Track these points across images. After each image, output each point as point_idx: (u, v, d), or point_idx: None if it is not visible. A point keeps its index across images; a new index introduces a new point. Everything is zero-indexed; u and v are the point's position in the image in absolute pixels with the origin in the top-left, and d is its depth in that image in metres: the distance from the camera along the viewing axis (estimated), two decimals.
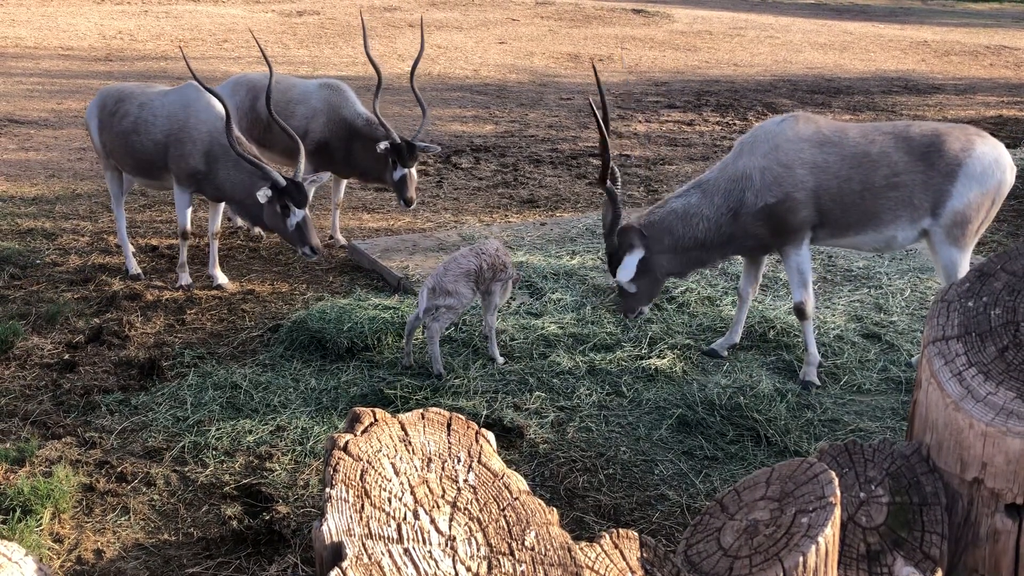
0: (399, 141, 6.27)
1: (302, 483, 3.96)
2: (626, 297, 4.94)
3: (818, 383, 4.86)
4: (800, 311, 4.86)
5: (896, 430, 4.48)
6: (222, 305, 5.85)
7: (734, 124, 12.33)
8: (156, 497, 3.88)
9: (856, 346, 5.30)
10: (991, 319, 1.84)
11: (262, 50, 6.30)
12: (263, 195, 5.38)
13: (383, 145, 6.22)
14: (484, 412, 4.47)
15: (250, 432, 4.34)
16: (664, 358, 5.06)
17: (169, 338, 5.36)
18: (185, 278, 6.11)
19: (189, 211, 6.06)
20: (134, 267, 6.29)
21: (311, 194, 5.62)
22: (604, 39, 19.29)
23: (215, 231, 6.19)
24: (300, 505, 3.82)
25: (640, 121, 12.29)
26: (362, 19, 7.57)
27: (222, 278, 6.18)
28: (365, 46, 6.70)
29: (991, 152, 4.69)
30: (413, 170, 6.40)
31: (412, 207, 6.61)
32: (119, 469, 4.02)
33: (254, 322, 5.58)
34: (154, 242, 7.01)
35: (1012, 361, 1.80)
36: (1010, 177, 4.73)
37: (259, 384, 4.75)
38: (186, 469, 4.06)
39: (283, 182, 5.43)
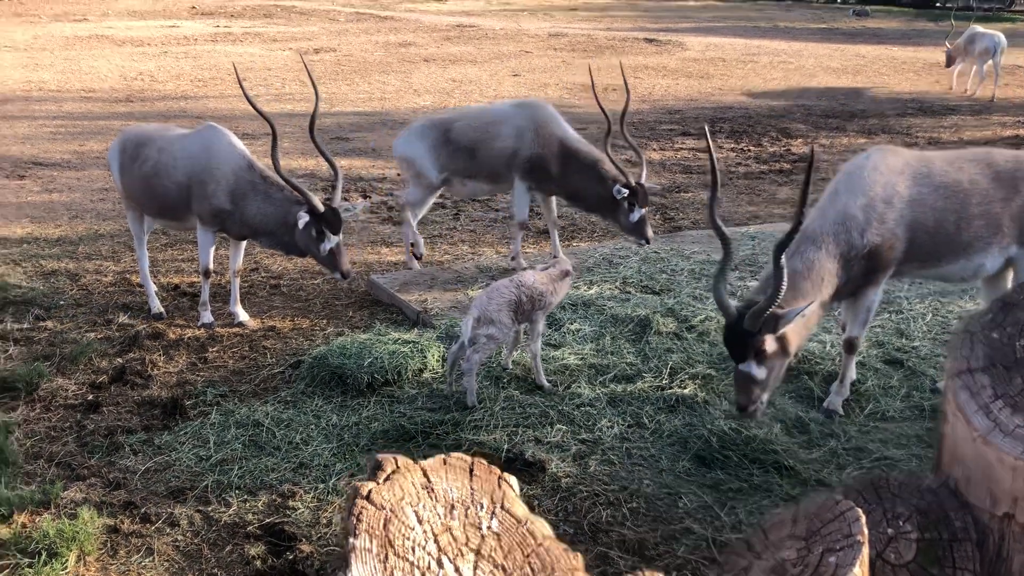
0: (634, 184, 6.53)
1: (325, 521, 3.96)
2: (751, 386, 4.26)
3: (841, 412, 4.81)
4: (852, 345, 4.79)
5: (922, 458, 4.43)
6: (243, 342, 5.89)
7: (749, 150, 12.34)
8: (180, 537, 3.88)
9: (879, 372, 5.26)
10: (1016, 350, 1.83)
11: (311, 76, 6.36)
12: (301, 219, 5.58)
13: (623, 191, 6.50)
14: (505, 446, 4.45)
15: (272, 470, 4.34)
16: (685, 388, 5.03)
17: (191, 376, 5.39)
18: (207, 316, 6.16)
19: (212, 250, 6.13)
20: (156, 306, 6.35)
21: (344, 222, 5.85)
22: (617, 69, 19.40)
23: (236, 269, 6.24)
24: (323, 543, 3.81)
25: (655, 149, 12.32)
26: (590, 72, 7.69)
27: (243, 315, 6.22)
28: (594, 93, 7.04)
29: None
30: (647, 210, 6.69)
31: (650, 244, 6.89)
32: (143, 510, 4.03)
33: (275, 359, 5.61)
34: (176, 280, 7.08)
35: None
36: None
37: (281, 421, 4.76)
38: (209, 509, 4.07)
39: (321, 208, 5.64)
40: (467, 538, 1.31)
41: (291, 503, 4.09)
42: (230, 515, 4.02)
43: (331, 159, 5.92)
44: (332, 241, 5.73)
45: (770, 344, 4.19)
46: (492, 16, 31.55)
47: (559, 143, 6.83)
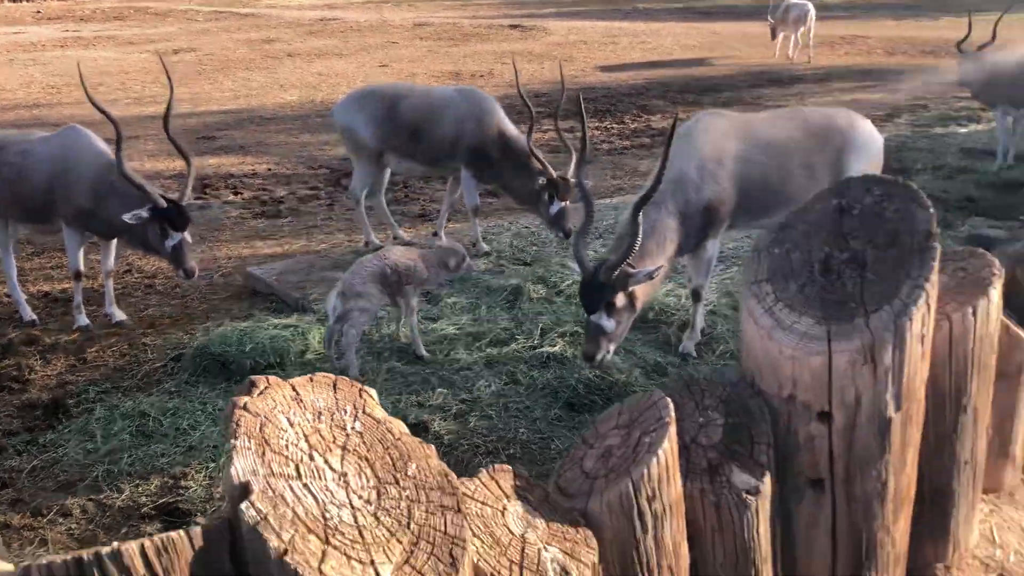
0: (555, 177, 6.60)
1: (219, 495, 4.12)
2: (599, 337, 4.58)
3: (695, 355, 5.27)
4: (698, 294, 5.24)
5: None
6: (122, 341, 5.91)
7: (612, 128, 12.87)
8: (74, 526, 3.97)
9: (728, 318, 5.75)
10: (792, 262, 2.21)
11: (166, 68, 6.39)
12: (133, 216, 5.48)
13: (541, 180, 6.59)
14: (389, 412, 4.69)
15: (163, 455, 4.46)
16: (555, 346, 5.39)
17: (72, 377, 5.40)
18: (82, 319, 6.13)
19: (81, 252, 6.09)
20: (28, 314, 6.28)
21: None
22: (483, 55, 19.73)
23: (109, 270, 6.24)
24: (219, 516, 3.97)
25: (521, 132, 12.67)
26: (514, 65, 7.78)
27: (120, 315, 6.23)
28: (519, 88, 7.37)
29: (867, 125, 5.33)
30: (568, 203, 6.67)
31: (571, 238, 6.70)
32: (33, 504, 4.10)
33: (156, 354, 5.67)
34: (46, 288, 6.98)
35: (809, 295, 2.16)
36: (881, 145, 5.34)
37: (167, 410, 4.86)
38: (102, 496, 4.16)
39: (163, 204, 5.56)
40: (334, 437, 1.56)
41: (183, 483, 4.23)
42: (123, 500, 4.13)
43: (186, 153, 5.88)
44: (175, 238, 5.63)
45: (620, 299, 4.58)
46: (355, 8, 31.38)
47: (498, 133, 7.03)
